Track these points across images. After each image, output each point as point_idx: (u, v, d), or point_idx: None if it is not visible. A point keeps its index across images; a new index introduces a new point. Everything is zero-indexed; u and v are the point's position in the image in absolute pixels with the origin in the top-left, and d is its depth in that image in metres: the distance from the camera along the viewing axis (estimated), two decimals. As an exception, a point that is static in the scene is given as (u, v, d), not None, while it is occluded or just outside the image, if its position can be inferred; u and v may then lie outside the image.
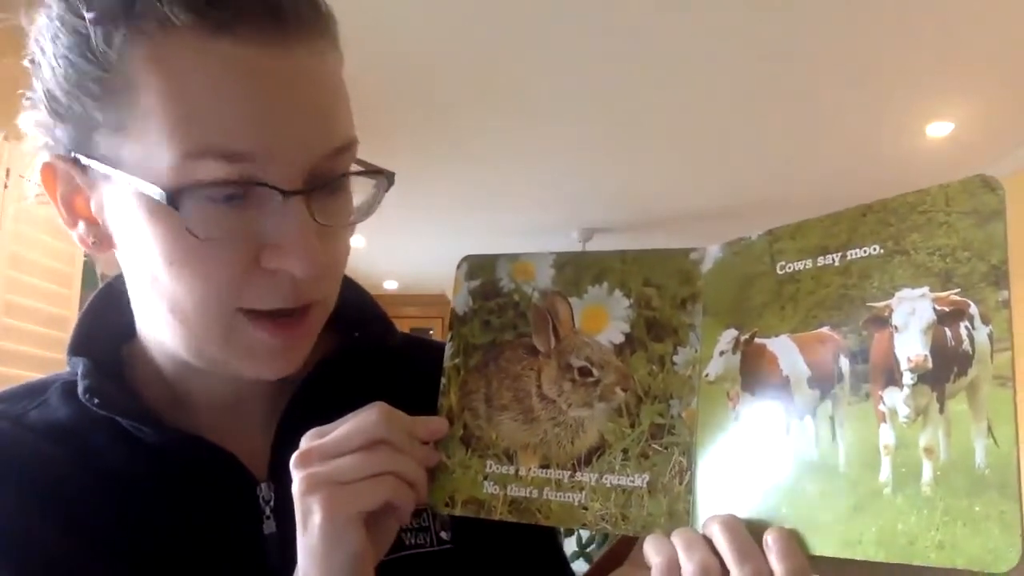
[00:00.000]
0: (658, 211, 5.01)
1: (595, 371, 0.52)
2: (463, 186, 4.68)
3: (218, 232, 0.47)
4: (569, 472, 0.51)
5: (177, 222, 0.47)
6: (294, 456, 0.47)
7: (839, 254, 0.45)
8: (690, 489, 0.48)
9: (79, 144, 0.50)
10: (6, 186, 2.44)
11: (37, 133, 0.53)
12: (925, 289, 0.40)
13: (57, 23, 0.49)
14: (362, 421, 0.48)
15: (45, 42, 0.51)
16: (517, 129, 4.01)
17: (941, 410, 0.38)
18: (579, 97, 3.66)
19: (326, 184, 0.50)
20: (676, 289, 0.52)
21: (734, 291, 0.50)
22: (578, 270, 0.55)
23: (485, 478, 0.52)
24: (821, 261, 0.46)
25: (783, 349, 0.46)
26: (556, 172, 4.57)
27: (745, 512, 0.44)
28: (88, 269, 2.73)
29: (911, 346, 0.40)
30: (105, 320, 0.59)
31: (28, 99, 0.53)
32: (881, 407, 0.41)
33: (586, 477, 0.50)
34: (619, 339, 0.52)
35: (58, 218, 0.54)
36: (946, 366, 0.39)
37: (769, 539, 0.42)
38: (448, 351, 0.56)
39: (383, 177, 0.54)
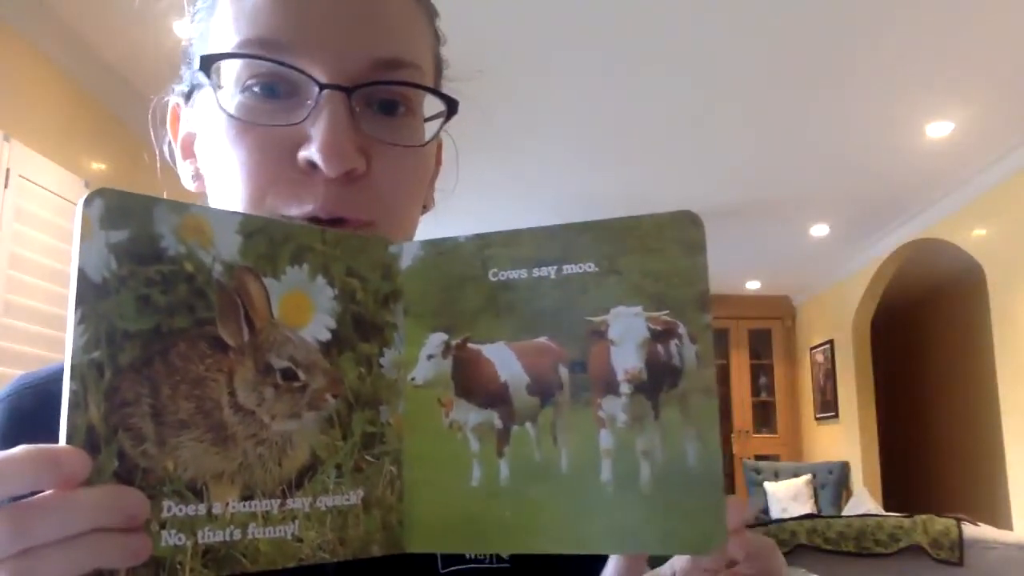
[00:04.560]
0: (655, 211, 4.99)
1: (301, 374, 0.44)
2: (459, 188, 4.09)
3: (257, 117, 0.52)
4: (279, 500, 0.42)
5: (230, 111, 0.53)
6: None
7: (555, 267, 0.47)
8: (401, 499, 0.46)
9: (185, 77, 0.59)
10: (6, 186, 2.60)
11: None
12: (639, 308, 0.45)
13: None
14: None
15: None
16: (513, 132, 3.80)
17: (656, 417, 0.44)
18: (577, 100, 3.50)
19: (372, 91, 0.53)
20: (378, 284, 0.48)
21: (440, 293, 0.49)
22: (272, 243, 0.44)
23: (162, 526, 0.39)
24: (537, 272, 0.47)
25: (500, 356, 0.47)
26: (552, 176, 4.39)
27: (464, 518, 0.44)
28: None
29: (627, 359, 0.45)
30: None
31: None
32: (600, 414, 0.44)
33: (298, 503, 0.43)
34: (325, 336, 0.45)
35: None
36: (660, 378, 0.44)
37: None
38: (79, 339, 0.38)
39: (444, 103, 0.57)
